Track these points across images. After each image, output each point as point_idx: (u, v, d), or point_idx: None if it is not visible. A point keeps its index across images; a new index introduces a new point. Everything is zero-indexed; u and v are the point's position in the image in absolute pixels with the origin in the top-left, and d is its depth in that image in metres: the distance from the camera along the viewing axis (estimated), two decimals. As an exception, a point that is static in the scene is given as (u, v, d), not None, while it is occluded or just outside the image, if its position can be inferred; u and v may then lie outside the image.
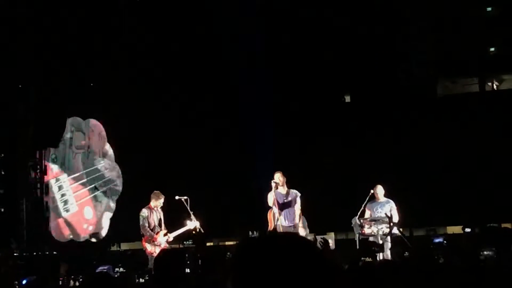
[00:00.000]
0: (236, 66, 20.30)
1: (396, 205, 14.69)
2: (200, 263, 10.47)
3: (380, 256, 13.45)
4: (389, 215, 14.33)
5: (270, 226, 13.94)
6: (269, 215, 14.04)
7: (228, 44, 20.47)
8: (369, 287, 5.53)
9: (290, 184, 14.41)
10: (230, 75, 20.58)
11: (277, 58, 21.08)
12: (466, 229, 19.50)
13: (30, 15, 17.71)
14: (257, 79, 20.26)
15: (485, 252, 14.25)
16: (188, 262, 14.17)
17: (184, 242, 14.81)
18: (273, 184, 14.05)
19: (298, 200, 14.24)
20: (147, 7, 20.78)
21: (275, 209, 13.90)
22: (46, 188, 19.05)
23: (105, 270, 14.79)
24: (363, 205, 14.69)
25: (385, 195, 14.85)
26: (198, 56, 22.30)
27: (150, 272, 13.35)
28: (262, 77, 20.07)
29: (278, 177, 14.17)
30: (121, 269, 16.11)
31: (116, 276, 13.39)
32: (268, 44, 20.69)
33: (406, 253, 13.81)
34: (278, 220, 13.81)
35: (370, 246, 13.85)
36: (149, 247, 13.65)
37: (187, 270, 13.71)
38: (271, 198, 14.08)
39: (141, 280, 14.78)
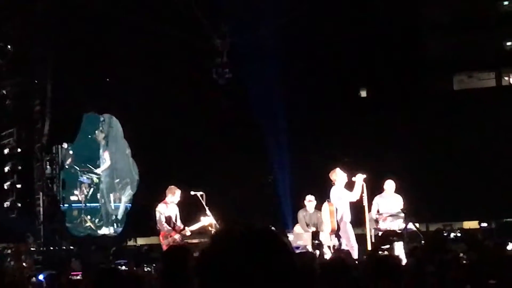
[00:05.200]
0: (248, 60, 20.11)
1: (403, 201, 14.43)
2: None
3: (396, 247, 13.38)
4: (398, 210, 14.19)
5: (333, 222, 13.69)
6: (331, 209, 13.88)
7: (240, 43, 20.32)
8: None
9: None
10: (242, 72, 20.42)
11: (290, 52, 20.91)
12: (482, 223, 19.42)
13: (46, 11, 17.79)
14: (269, 74, 20.11)
15: None
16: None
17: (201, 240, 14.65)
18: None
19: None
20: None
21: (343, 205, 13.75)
22: (62, 182, 19.17)
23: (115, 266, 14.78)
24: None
25: (396, 191, 14.60)
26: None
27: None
28: (275, 72, 19.88)
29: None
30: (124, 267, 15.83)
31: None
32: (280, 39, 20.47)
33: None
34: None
35: (389, 236, 13.84)
36: (166, 242, 13.64)
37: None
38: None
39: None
